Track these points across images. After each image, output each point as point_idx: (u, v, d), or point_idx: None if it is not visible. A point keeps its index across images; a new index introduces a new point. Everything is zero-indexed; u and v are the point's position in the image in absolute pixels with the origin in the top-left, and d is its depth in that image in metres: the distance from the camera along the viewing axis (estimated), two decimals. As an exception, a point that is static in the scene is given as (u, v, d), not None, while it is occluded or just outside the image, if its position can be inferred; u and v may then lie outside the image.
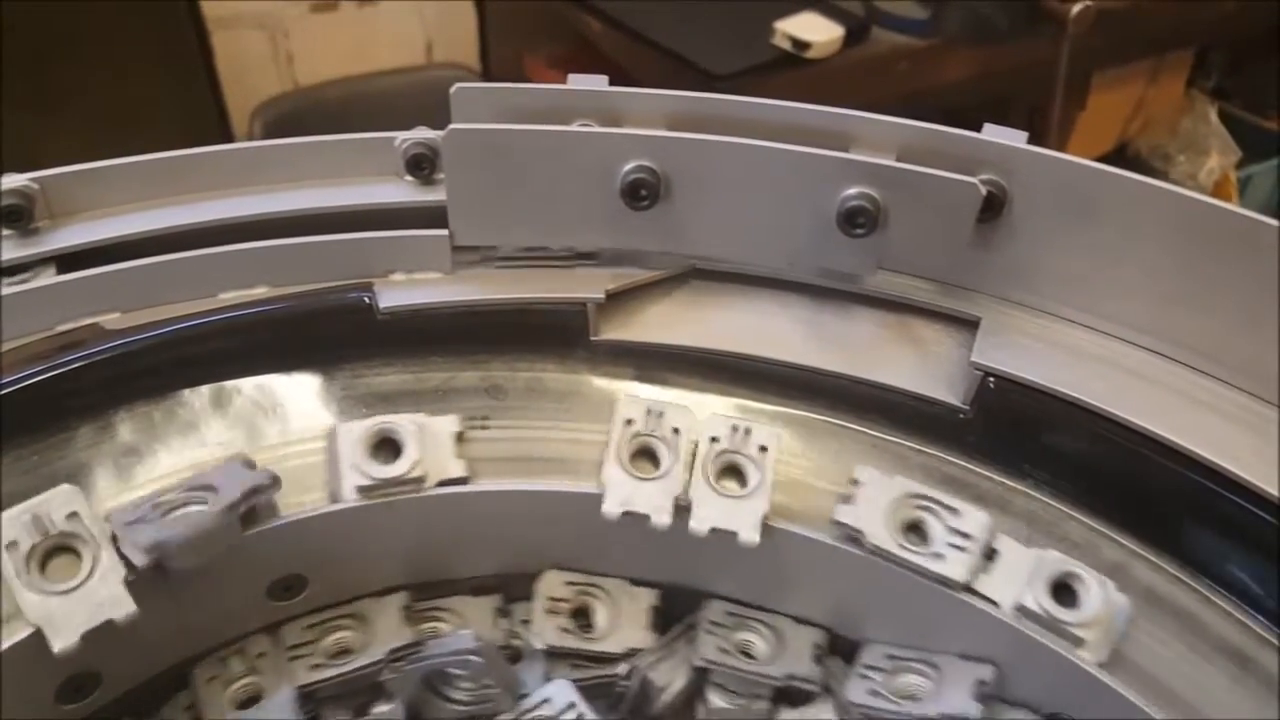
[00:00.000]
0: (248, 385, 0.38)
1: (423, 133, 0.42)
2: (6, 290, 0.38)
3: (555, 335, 0.41)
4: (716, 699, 0.39)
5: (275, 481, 0.34)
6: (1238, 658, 0.34)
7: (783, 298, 0.43)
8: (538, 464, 0.38)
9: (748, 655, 0.39)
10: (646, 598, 0.40)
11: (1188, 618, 0.35)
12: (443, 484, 0.37)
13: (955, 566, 0.35)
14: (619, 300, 0.42)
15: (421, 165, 0.42)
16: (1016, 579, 0.35)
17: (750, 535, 0.35)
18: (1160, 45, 1.60)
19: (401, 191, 0.42)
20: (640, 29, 1.40)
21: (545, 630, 0.38)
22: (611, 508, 0.36)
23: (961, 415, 0.39)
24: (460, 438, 0.38)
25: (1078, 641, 0.34)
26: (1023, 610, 0.34)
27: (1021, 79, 1.40)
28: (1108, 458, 0.37)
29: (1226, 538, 0.36)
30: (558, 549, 0.40)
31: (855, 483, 0.36)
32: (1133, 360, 0.39)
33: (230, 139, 1.57)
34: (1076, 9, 1.27)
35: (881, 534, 0.35)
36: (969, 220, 0.37)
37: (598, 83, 0.42)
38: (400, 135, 0.42)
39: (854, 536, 0.36)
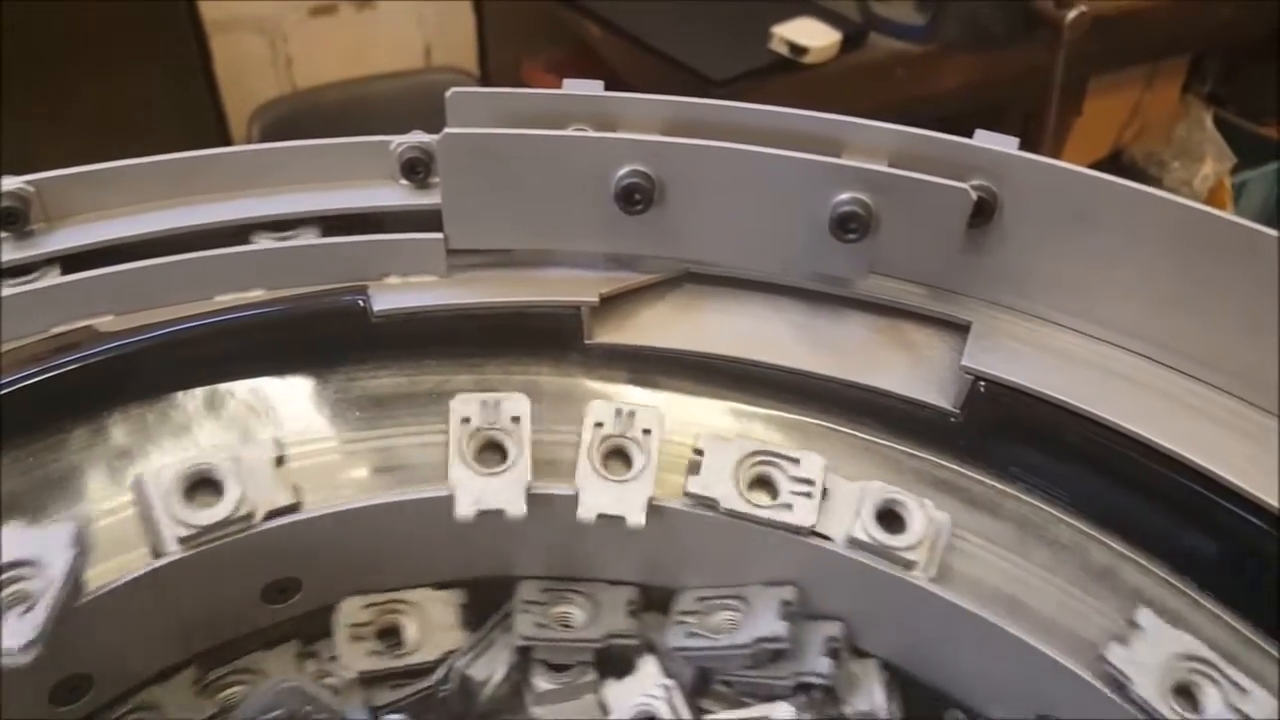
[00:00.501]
0: (242, 388, 0.39)
1: (418, 136, 0.42)
2: (3, 292, 0.38)
3: (549, 338, 0.41)
4: (541, 681, 0.39)
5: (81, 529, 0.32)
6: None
7: (775, 301, 0.43)
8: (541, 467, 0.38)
9: (566, 626, 0.39)
10: (453, 598, 0.39)
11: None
12: (271, 515, 0.35)
13: (802, 514, 0.36)
14: (613, 304, 0.42)
15: (416, 169, 0.42)
16: (846, 514, 0.37)
17: (637, 518, 0.36)
18: (1156, 51, 1.60)
19: (396, 195, 0.42)
20: (638, 34, 1.41)
21: (353, 658, 0.37)
22: (464, 509, 0.35)
23: (952, 419, 0.39)
24: (280, 462, 0.36)
25: (909, 565, 0.35)
26: (854, 542, 0.36)
27: (1017, 85, 1.40)
28: (1098, 462, 0.38)
29: (1216, 542, 0.36)
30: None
31: (699, 452, 0.38)
32: (1123, 365, 0.39)
33: (228, 142, 1.57)
34: (1072, 15, 1.28)
35: (732, 495, 0.37)
36: (960, 225, 0.38)
37: (593, 87, 0.42)
38: (395, 139, 0.42)
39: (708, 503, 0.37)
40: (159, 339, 0.37)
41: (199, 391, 0.38)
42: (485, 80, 1.68)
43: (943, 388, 0.40)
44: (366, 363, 0.40)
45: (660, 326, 0.42)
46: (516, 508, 0.35)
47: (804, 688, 0.37)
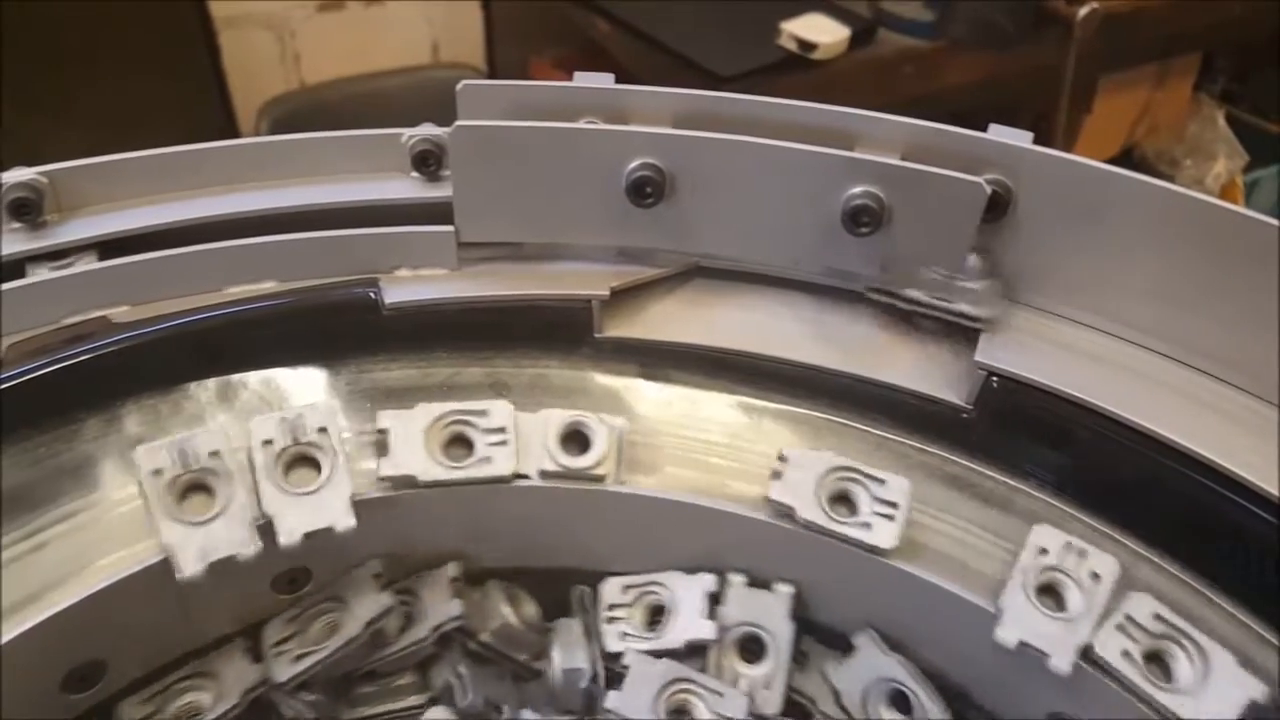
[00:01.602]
0: (254, 379, 0.39)
1: (429, 129, 0.42)
2: (16, 283, 0.38)
3: (560, 332, 0.41)
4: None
5: None
6: (1239, 657, 0.34)
7: (786, 296, 0.43)
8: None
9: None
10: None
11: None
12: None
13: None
14: (623, 297, 0.42)
15: (428, 162, 0.42)
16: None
17: (346, 521, 0.34)
18: (1167, 49, 1.59)
19: (408, 188, 0.42)
20: (646, 30, 1.40)
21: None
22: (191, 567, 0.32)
23: (964, 415, 0.39)
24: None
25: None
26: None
27: (1027, 82, 1.39)
28: (1110, 458, 0.37)
29: (1230, 539, 0.36)
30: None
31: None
32: (1136, 361, 0.39)
33: (236, 137, 1.57)
34: (1083, 12, 1.27)
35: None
36: (973, 220, 0.37)
37: (604, 80, 0.42)
38: (407, 132, 0.42)
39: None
40: (172, 330, 0.37)
41: (211, 382, 0.38)
42: (492, 77, 1.68)
43: (955, 383, 0.39)
44: (377, 355, 0.40)
45: (670, 320, 0.42)
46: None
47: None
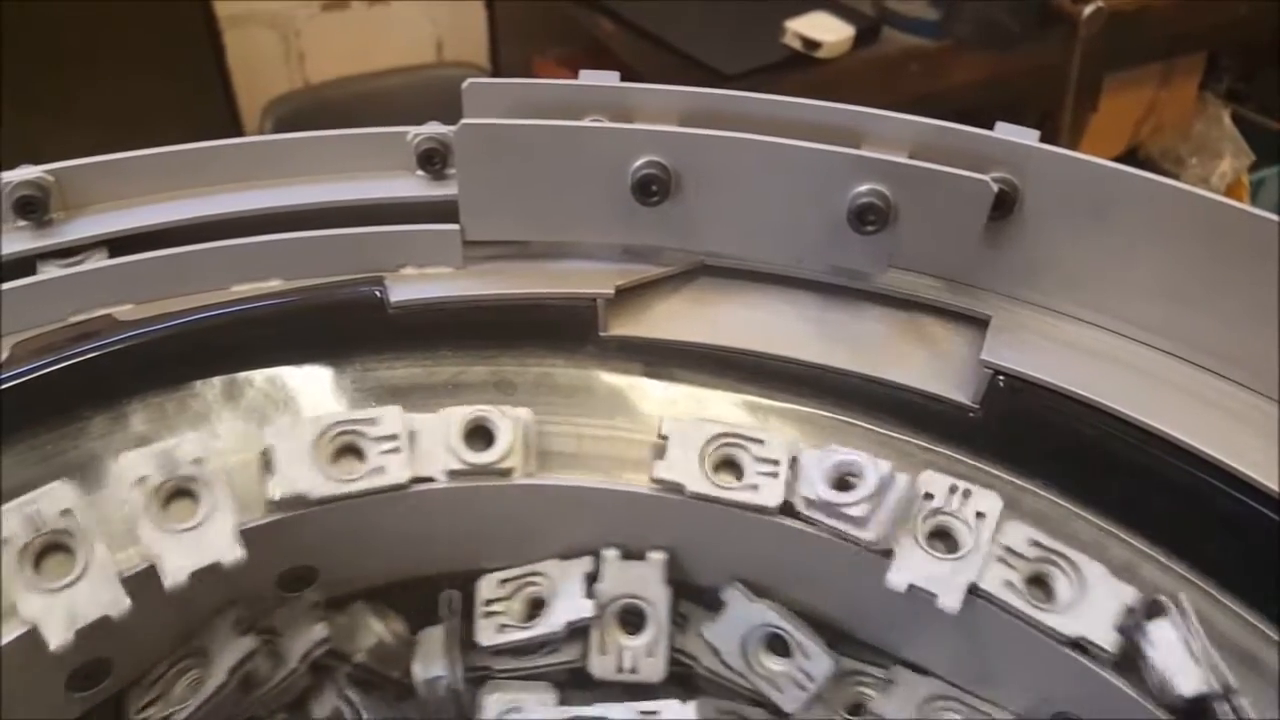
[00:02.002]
0: (259, 377, 0.39)
1: (434, 127, 0.42)
2: (22, 281, 0.38)
3: (565, 330, 0.41)
4: None
5: None
6: (1245, 658, 0.34)
7: (792, 295, 0.43)
8: (546, 458, 0.38)
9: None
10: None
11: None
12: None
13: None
14: (628, 296, 0.42)
15: (433, 160, 0.42)
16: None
17: (233, 554, 0.32)
18: (1172, 48, 1.59)
19: (413, 186, 0.42)
20: (650, 29, 1.40)
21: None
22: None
23: (971, 414, 0.39)
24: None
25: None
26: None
27: (1033, 81, 1.39)
28: (1117, 457, 0.37)
29: (1235, 538, 0.36)
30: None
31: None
32: (1143, 360, 0.39)
33: (241, 136, 1.58)
34: (1088, 11, 1.27)
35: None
36: (980, 218, 0.37)
37: (609, 78, 0.42)
38: (412, 130, 0.42)
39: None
40: (178, 328, 0.38)
41: (217, 381, 0.38)
42: (497, 76, 1.68)
43: (961, 382, 0.39)
44: (383, 353, 0.40)
45: (676, 319, 0.42)
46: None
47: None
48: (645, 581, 0.38)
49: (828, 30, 1.33)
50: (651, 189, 0.39)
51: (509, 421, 0.36)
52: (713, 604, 0.40)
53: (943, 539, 0.35)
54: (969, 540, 0.34)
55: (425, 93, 1.57)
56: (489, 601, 0.38)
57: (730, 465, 0.37)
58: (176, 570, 0.32)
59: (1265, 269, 0.35)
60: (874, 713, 0.39)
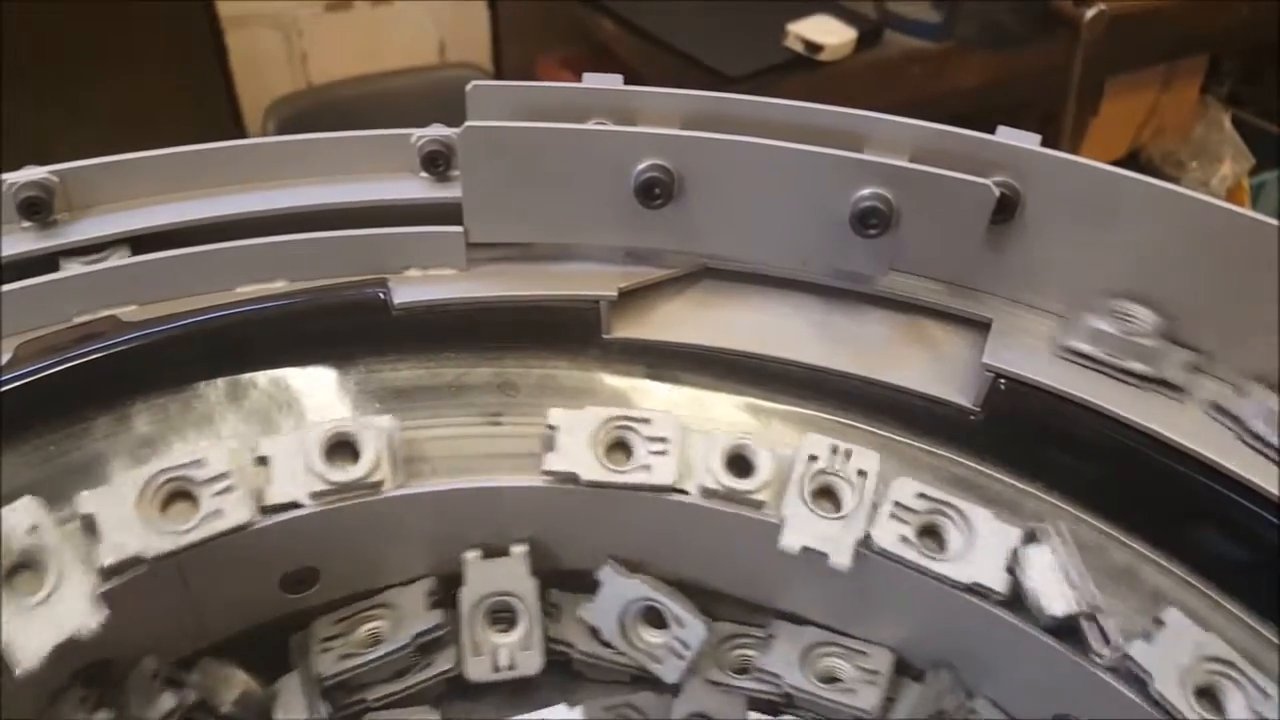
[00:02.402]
0: (263, 378, 0.39)
1: (439, 130, 0.43)
2: (26, 282, 0.38)
3: (568, 332, 0.41)
4: None
5: None
6: (1246, 660, 0.34)
7: (794, 298, 0.43)
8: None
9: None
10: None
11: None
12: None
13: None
14: (631, 298, 0.42)
15: (437, 162, 0.42)
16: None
17: (91, 621, 0.30)
18: (1174, 51, 1.59)
19: (417, 188, 0.43)
20: (653, 31, 1.40)
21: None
22: None
23: (972, 417, 0.39)
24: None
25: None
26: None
27: (1034, 84, 1.39)
28: (1118, 460, 0.37)
29: (1235, 541, 0.36)
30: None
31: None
32: (1145, 364, 0.39)
33: (244, 137, 1.58)
34: (1090, 14, 1.27)
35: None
36: (982, 222, 0.38)
37: (612, 82, 0.42)
38: (416, 132, 0.42)
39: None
40: (182, 329, 0.38)
41: (221, 382, 0.38)
42: (499, 77, 1.68)
43: (963, 385, 0.39)
44: (386, 354, 0.41)
45: (678, 321, 0.42)
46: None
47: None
48: (511, 577, 0.38)
49: (830, 33, 1.33)
50: (655, 192, 0.39)
51: (373, 433, 0.35)
52: (584, 587, 0.40)
53: (829, 498, 0.36)
54: (853, 498, 0.36)
55: (428, 94, 1.57)
56: (326, 639, 0.38)
57: (621, 447, 0.37)
58: (32, 654, 0.29)
59: (1265, 273, 0.35)
60: (759, 668, 0.39)
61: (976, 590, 0.34)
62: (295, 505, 0.35)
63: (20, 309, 0.38)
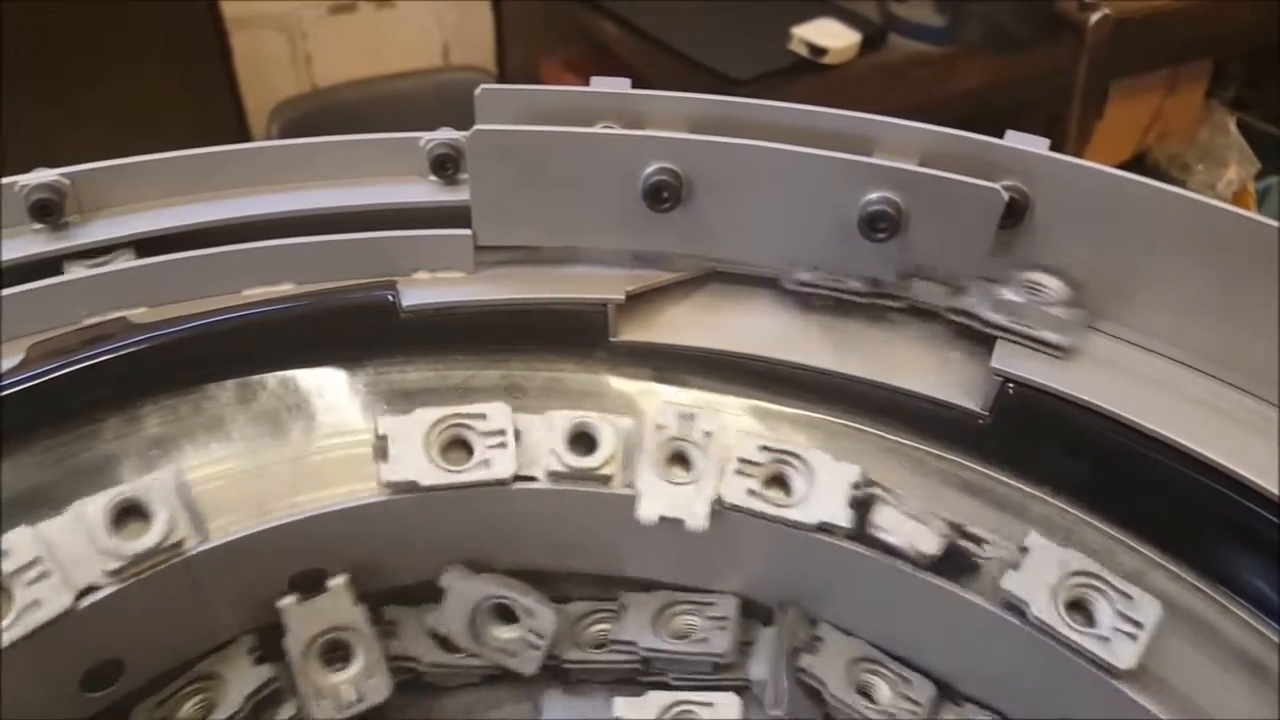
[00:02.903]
0: (272, 380, 0.39)
1: (447, 133, 0.43)
2: (37, 283, 0.39)
3: (575, 335, 0.41)
4: None
5: None
6: (1255, 667, 0.34)
7: (800, 301, 0.43)
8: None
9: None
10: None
11: (1205, 627, 0.35)
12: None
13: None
14: (638, 301, 0.42)
15: (445, 165, 0.42)
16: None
17: None
18: (1179, 55, 1.59)
19: (425, 191, 0.43)
20: (657, 33, 1.40)
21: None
22: None
23: (980, 421, 0.39)
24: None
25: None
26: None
27: (1039, 87, 1.39)
28: (1126, 465, 0.37)
29: (1245, 547, 0.36)
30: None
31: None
32: (1152, 368, 0.39)
33: (248, 139, 1.58)
34: (1095, 18, 1.27)
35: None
36: (991, 226, 0.38)
37: (620, 85, 0.42)
38: (425, 135, 0.42)
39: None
40: (191, 331, 0.38)
41: (230, 384, 0.38)
42: (502, 79, 1.69)
43: (971, 390, 0.39)
44: (395, 357, 0.41)
45: (686, 325, 0.42)
46: None
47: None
48: (336, 611, 0.36)
49: (834, 36, 1.33)
50: (663, 195, 0.39)
51: (158, 492, 0.33)
52: (420, 598, 0.39)
53: (680, 464, 0.37)
54: (701, 460, 0.37)
55: (432, 96, 1.57)
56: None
57: (460, 445, 0.37)
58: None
59: (1272, 277, 0.35)
60: (615, 639, 0.40)
61: (824, 529, 0.36)
62: (92, 589, 0.32)
63: (31, 310, 0.38)
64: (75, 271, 0.39)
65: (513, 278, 0.42)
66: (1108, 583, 0.34)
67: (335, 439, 0.38)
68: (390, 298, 0.40)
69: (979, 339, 0.40)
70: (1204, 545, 0.37)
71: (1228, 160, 1.67)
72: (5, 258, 0.38)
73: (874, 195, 0.37)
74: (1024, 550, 0.34)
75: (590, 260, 0.43)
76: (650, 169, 0.39)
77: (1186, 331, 0.38)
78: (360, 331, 0.40)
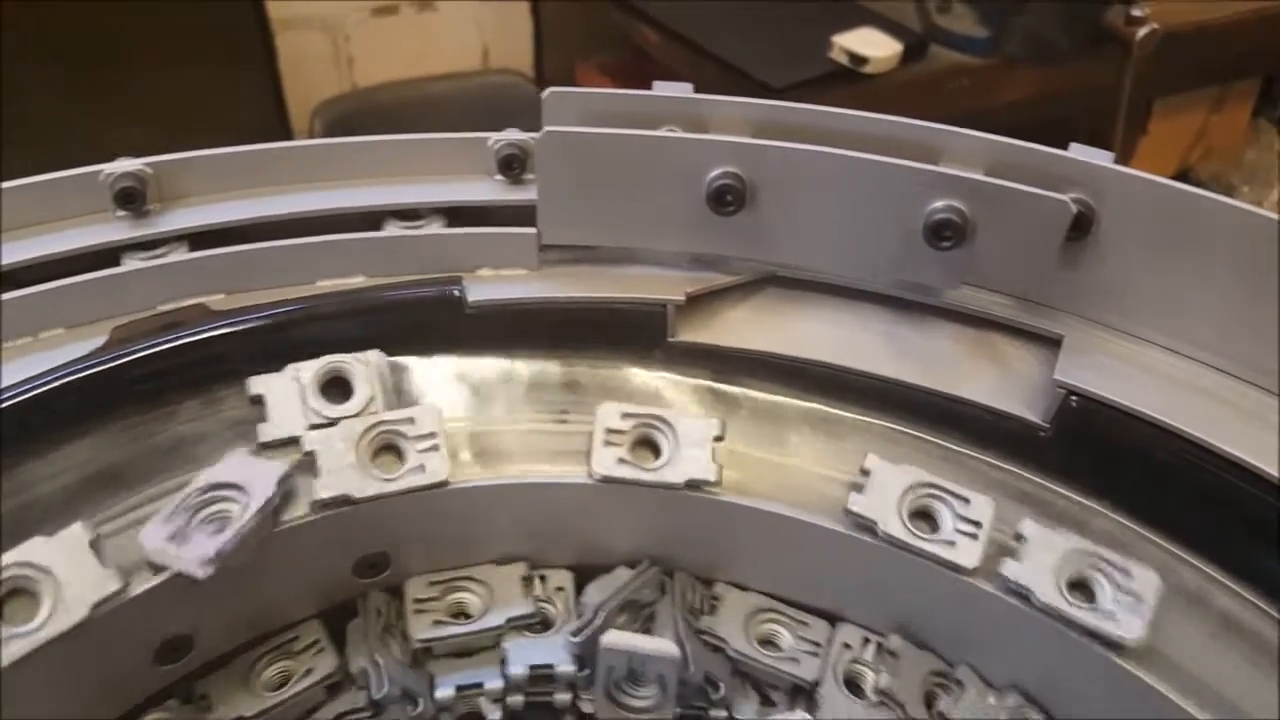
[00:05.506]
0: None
1: (515, 134, 0.44)
2: (119, 269, 0.40)
3: (634, 335, 0.42)
4: None
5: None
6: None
7: (860, 308, 0.43)
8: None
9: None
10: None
11: (1266, 646, 0.35)
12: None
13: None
14: (697, 303, 0.42)
15: (513, 165, 0.43)
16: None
17: None
18: (1227, 73, 1.57)
19: (492, 190, 0.43)
20: (695, 39, 1.41)
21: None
22: None
23: (1041, 433, 0.39)
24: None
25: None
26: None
27: (1081, 101, 1.38)
28: (1188, 481, 0.37)
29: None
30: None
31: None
32: (1218, 385, 0.39)
33: (289, 137, 1.61)
34: (1143, 31, 1.26)
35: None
36: (1058, 238, 0.38)
37: (683, 90, 0.42)
38: (493, 136, 0.43)
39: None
40: (268, 319, 0.39)
41: (303, 372, 0.39)
42: (540, 83, 1.70)
43: (1031, 401, 0.39)
44: (457, 351, 0.41)
45: (743, 328, 0.43)
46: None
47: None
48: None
49: (876, 46, 1.33)
50: (727, 199, 0.39)
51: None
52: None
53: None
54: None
55: (469, 99, 1.59)
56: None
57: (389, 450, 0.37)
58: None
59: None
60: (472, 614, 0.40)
61: (692, 485, 0.37)
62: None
63: (112, 294, 0.39)
64: (156, 257, 0.41)
65: (574, 276, 0.42)
66: (1101, 558, 0.35)
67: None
68: (456, 293, 0.41)
69: (1041, 348, 0.40)
70: (1265, 563, 0.36)
71: (1273, 181, 1.64)
72: (90, 243, 0.40)
73: (939, 204, 0.37)
74: (1020, 538, 0.35)
75: (649, 261, 0.43)
76: (715, 172, 0.39)
77: (1252, 350, 0.38)
78: (427, 325, 0.41)
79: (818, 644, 0.39)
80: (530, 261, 0.42)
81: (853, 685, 0.39)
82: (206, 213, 0.41)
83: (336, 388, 0.38)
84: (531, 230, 0.42)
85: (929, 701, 0.38)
